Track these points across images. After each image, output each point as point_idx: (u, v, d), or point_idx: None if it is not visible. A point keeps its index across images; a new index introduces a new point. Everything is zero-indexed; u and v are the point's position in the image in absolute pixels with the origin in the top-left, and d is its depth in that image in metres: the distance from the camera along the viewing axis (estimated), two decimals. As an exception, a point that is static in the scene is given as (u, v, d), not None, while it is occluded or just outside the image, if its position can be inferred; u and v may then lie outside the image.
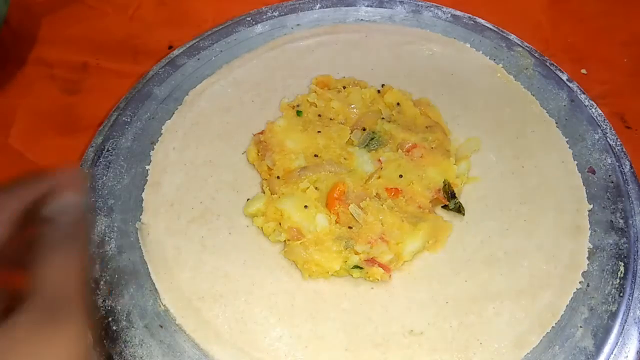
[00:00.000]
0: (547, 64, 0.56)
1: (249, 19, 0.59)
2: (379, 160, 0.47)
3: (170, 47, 0.60)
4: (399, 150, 0.48)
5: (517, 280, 0.42)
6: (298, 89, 0.53)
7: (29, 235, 0.31)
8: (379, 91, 0.52)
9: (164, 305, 0.42)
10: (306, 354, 0.40)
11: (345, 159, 0.48)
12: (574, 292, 0.42)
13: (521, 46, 0.57)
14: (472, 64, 0.54)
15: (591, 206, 0.46)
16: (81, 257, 0.31)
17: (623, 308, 0.41)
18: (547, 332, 0.40)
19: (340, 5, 0.60)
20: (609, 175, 0.47)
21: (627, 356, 0.41)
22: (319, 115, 0.50)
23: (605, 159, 0.48)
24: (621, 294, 0.42)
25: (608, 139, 0.50)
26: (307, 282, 0.43)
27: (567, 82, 0.54)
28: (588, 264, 0.43)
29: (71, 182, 0.34)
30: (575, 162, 0.48)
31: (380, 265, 0.42)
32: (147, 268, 0.43)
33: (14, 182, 0.32)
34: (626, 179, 0.48)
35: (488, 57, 0.55)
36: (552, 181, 0.47)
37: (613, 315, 0.41)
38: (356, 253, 0.43)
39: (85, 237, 0.34)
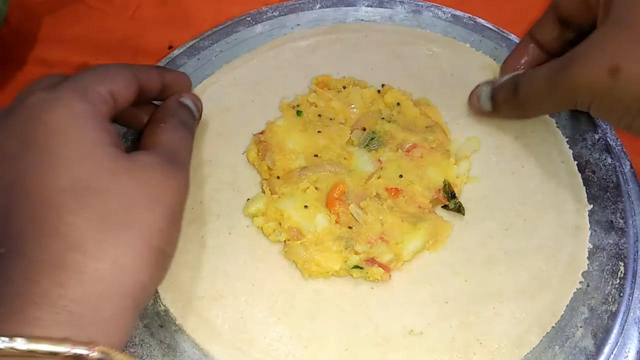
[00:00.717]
0: (547, 64, 0.56)
1: (249, 19, 0.59)
2: (379, 160, 0.47)
3: (170, 47, 0.60)
4: (399, 150, 0.48)
5: (517, 280, 0.42)
6: (298, 89, 0.53)
7: (167, 110, 0.41)
8: (379, 91, 0.52)
9: (164, 305, 0.42)
10: (306, 354, 0.40)
11: (345, 159, 0.48)
12: (574, 292, 0.42)
13: (521, 46, 0.57)
14: (472, 64, 0.54)
15: (591, 206, 0.46)
16: (192, 139, 0.41)
17: (623, 308, 0.41)
18: (547, 332, 0.40)
19: (340, 5, 0.60)
20: (609, 175, 0.47)
21: (627, 356, 0.41)
22: (319, 115, 0.50)
23: (605, 159, 0.48)
24: (621, 294, 0.42)
25: (608, 139, 0.50)
26: (307, 282, 0.43)
27: (567, 82, 0.54)
28: (588, 264, 0.43)
29: (186, 84, 0.44)
30: (575, 162, 0.48)
31: (380, 265, 0.42)
32: (147, 268, 0.43)
33: (142, 65, 0.40)
34: (626, 179, 0.49)
35: (488, 57, 0.55)
36: (552, 181, 0.47)
37: (613, 315, 0.41)
38: (356, 253, 0.43)
39: (195, 128, 0.43)
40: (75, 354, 0.28)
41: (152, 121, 0.39)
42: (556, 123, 0.50)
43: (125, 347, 0.40)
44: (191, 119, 0.41)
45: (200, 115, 0.44)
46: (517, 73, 0.46)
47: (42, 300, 0.29)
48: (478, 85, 0.50)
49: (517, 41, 0.57)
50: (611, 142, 0.50)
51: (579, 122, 0.50)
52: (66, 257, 0.29)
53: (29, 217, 0.30)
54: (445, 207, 0.46)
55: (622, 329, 0.41)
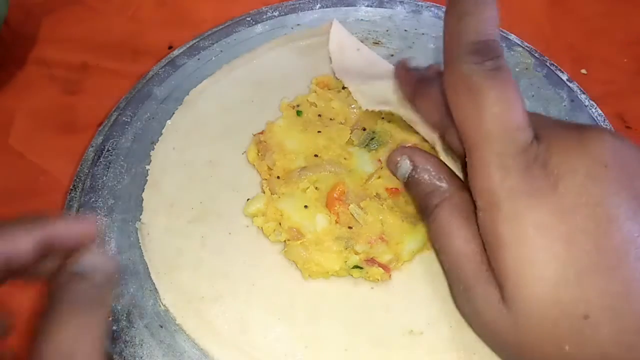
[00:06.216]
0: (547, 64, 0.56)
1: (249, 19, 0.59)
2: (379, 160, 0.47)
3: (170, 47, 0.60)
4: (399, 150, 0.48)
5: (517, 280, 0.42)
6: (298, 89, 0.53)
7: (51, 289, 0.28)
8: (379, 91, 0.52)
9: (164, 305, 0.42)
10: (306, 354, 0.40)
11: (345, 159, 0.48)
12: (574, 292, 0.42)
13: (521, 46, 0.57)
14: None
15: (591, 206, 0.45)
16: (103, 321, 0.28)
17: (623, 308, 0.41)
18: (547, 332, 0.40)
19: (340, 5, 0.60)
20: (609, 175, 0.47)
21: (627, 356, 0.41)
22: (319, 115, 0.50)
23: (605, 159, 0.48)
24: (621, 294, 0.42)
25: (608, 139, 0.50)
26: (307, 282, 0.43)
27: (567, 82, 0.54)
28: (588, 264, 0.43)
29: (88, 234, 0.30)
30: (575, 162, 0.48)
31: (380, 265, 0.42)
32: (147, 268, 0.43)
33: (24, 218, 0.28)
34: (626, 179, 0.48)
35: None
36: (552, 181, 0.47)
37: (613, 315, 0.41)
38: (356, 253, 0.43)
39: (110, 300, 0.31)
40: None
41: (38, 315, 0.27)
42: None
43: (125, 348, 0.40)
44: (93, 293, 0.28)
45: (115, 272, 0.31)
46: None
47: None
48: (400, 154, 0.44)
49: (517, 41, 0.57)
50: (611, 142, 0.50)
51: (579, 122, 0.50)
52: None
53: None
54: (445, 207, 0.46)
55: (622, 329, 0.41)
